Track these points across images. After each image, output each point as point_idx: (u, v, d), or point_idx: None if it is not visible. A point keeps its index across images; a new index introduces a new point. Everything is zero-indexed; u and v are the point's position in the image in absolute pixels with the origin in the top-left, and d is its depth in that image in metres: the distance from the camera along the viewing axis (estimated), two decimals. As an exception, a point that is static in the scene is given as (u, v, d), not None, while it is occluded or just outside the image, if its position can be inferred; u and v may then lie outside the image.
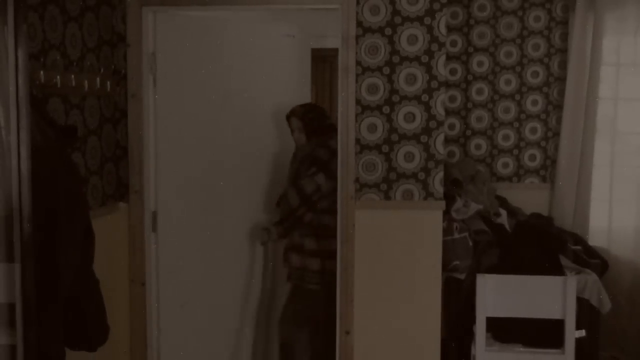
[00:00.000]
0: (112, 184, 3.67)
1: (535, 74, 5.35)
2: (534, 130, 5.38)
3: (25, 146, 1.63)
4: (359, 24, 3.63)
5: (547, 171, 5.39)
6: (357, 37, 3.64)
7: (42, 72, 2.86)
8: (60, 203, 2.20)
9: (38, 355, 1.91)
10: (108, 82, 3.52)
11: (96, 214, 3.25)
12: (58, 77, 2.99)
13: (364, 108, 3.67)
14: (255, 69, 4.10)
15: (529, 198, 5.25)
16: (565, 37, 5.28)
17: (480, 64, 5.38)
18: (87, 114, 3.37)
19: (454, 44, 5.29)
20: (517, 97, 5.38)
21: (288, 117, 4.18)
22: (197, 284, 4.03)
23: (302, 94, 4.47)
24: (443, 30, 3.63)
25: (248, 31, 3.96)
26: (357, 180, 3.70)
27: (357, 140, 3.68)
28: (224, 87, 4.00)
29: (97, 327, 2.62)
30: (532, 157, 5.38)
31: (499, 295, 3.56)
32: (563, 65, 5.30)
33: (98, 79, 3.41)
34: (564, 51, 5.30)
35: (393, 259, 3.70)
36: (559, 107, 5.28)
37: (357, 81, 3.65)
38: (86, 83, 3.26)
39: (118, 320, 3.55)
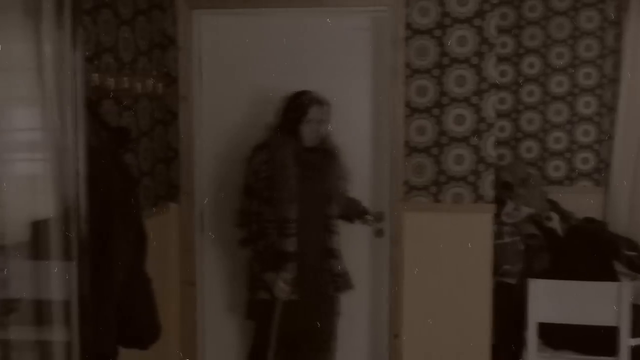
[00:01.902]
0: (163, 184, 3.72)
1: (587, 76, 5.25)
2: (586, 133, 5.27)
3: (82, 147, 1.66)
4: (408, 25, 3.62)
5: (601, 174, 5.28)
6: (406, 38, 3.62)
7: (95, 75, 2.92)
8: (114, 203, 2.23)
9: (92, 353, 1.94)
10: (159, 85, 3.57)
11: (148, 214, 3.30)
12: (111, 79, 3.04)
13: (413, 110, 3.65)
14: (318, 65, 3.96)
15: (581, 202, 5.14)
16: (619, 37, 5.16)
17: (531, 65, 5.29)
18: (139, 115, 3.42)
19: (504, 45, 5.23)
20: (569, 99, 5.28)
21: (306, 104, 3.32)
22: (242, 284, 4.04)
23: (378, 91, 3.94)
24: (493, 31, 3.59)
25: (309, 26, 3.88)
26: (405, 182, 3.67)
27: (406, 143, 3.66)
28: (278, 86, 3.96)
29: (149, 325, 2.66)
30: (585, 160, 5.27)
31: (550, 300, 3.50)
32: (617, 66, 5.18)
33: (150, 82, 3.46)
34: (617, 52, 5.18)
35: (442, 262, 3.67)
36: (613, 109, 5.17)
37: (406, 83, 3.64)
38: (138, 85, 3.31)
39: (169, 320, 3.59)
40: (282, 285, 3.24)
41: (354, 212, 3.59)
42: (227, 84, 3.86)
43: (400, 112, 3.64)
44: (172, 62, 3.74)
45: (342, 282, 3.42)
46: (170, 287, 3.75)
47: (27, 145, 2.07)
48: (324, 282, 3.39)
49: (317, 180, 3.36)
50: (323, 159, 3.41)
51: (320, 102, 3.33)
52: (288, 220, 3.24)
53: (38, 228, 1.93)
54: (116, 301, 2.32)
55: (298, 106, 3.32)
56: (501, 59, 5.17)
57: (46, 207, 1.94)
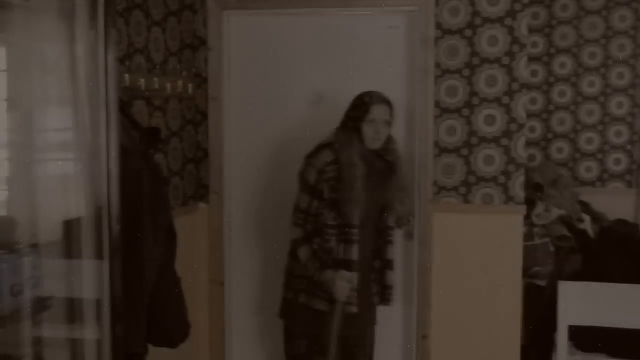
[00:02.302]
0: (193, 184, 3.75)
1: (620, 76, 5.18)
2: (619, 134, 5.20)
3: (114, 147, 1.68)
4: (438, 25, 3.60)
5: (633, 176, 5.20)
6: (436, 38, 3.60)
7: (127, 76, 2.94)
8: (144, 203, 2.25)
9: (123, 351, 1.96)
10: (189, 85, 3.60)
11: (177, 213, 3.32)
12: (142, 80, 3.07)
13: (442, 110, 3.63)
14: (351, 64, 3.87)
15: (613, 203, 5.07)
16: (653, 36, 5.09)
17: (562, 65, 5.24)
18: (169, 116, 3.45)
19: (535, 45, 5.18)
20: (601, 99, 5.21)
21: (368, 102, 3.14)
22: (271, 285, 4.06)
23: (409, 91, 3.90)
24: (524, 31, 3.56)
25: (339, 26, 3.88)
26: (435, 183, 3.66)
27: (436, 143, 3.64)
28: (308, 87, 3.96)
29: (178, 324, 2.67)
30: (617, 161, 5.20)
31: (581, 303, 3.45)
32: (650, 66, 5.11)
33: (180, 82, 3.49)
34: (651, 51, 5.11)
35: (471, 263, 3.65)
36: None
37: (435, 83, 3.62)
38: (169, 86, 3.34)
39: (198, 319, 3.61)
40: (342, 284, 3.06)
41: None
42: (257, 84, 3.88)
43: (430, 112, 3.62)
44: (202, 62, 3.77)
45: (389, 294, 3.29)
46: (199, 287, 3.78)
47: (59, 146, 2.09)
48: (373, 292, 3.28)
49: (379, 186, 3.19)
50: (386, 164, 3.24)
51: (383, 101, 3.16)
52: (350, 226, 3.08)
53: (70, 227, 1.96)
54: (146, 300, 2.34)
55: (360, 104, 3.15)
56: (532, 59, 5.12)
57: (78, 206, 1.96)
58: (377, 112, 3.13)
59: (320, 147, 3.15)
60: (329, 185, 3.07)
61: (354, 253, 3.09)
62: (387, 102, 3.16)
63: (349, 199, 3.04)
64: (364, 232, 3.13)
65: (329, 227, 3.08)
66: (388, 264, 3.27)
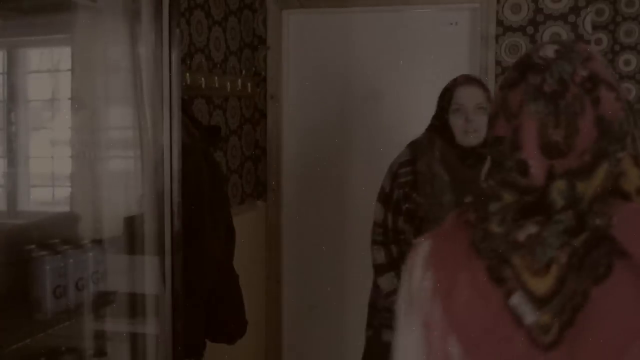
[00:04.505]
0: (251, 182, 3.78)
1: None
2: (686, 133, 5.04)
3: (177, 145, 1.70)
4: (499, 22, 3.54)
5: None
6: (497, 36, 3.55)
7: (187, 75, 2.98)
8: (205, 200, 2.28)
9: (182, 346, 1.98)
10: (249, 84, 3.63)
11: (235, 211, 3.35)
12: (203, 79, 3.11)
13: (503, 109, 3.57)
14: (410, 62, 3.83)
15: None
16: None
17: (627, 62, 5.10)
18: (229, 114, 3.48)
19: (599, 42, 5.05)
20: (668, 97, 5.06)
21: (451, 86, 2.58)
22: (326, 284, 4.06)
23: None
24: (588, 28, 3.48)
25: (398, 23, 3.85)
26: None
27: (495, 142, 3.59)
28: (368, 85, 3.94)
29: (236, 320, 2.69)
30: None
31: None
32: None
33: (239, 81, 3.52)
34: None
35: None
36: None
37: (496, 81, 3.57)
38: (228, 85, 3.37)
39: (255, 316, 3.64)
40: None
41: None
42: (315, 82, 3.88)
43: (490, 111, 3.57)
44: (262, 61, 3.79)
45: None
46: (257, 284, 3.80)
47: (123, 143, 2.14)
48: None
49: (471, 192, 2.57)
50: (479, 164, 2.60)
51: (470, 81, 2.57)
52: None
53: (133, 223, 1.99)
54: (206, 296, 2.36)
55: (444, 92, 2.57)
56: (595, 56, 5.00)
57: (140, 203, 2.00)
58: (463, 95, 2.51)
59: (407, 146, 2.65)
60: (403, 192, 2.54)
61: None
62: (476, 82, 2.58)
63: (426, 211, 2.49)
64: None
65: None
66: None
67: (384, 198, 2.61)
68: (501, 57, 3.55)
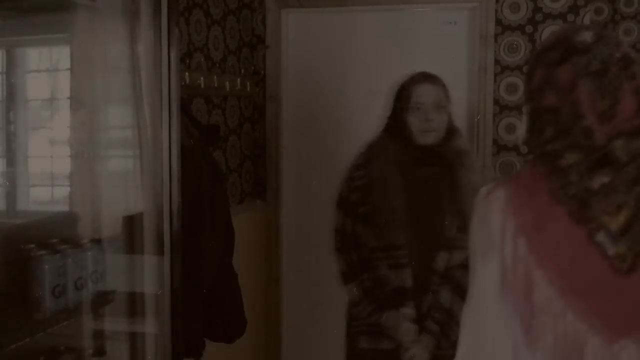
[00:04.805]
0: (250, 182, 3.78)
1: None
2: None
3: (176, 145, 1.70)
4: (498, 21, 3.55)
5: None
6: (496, 35, 3.55)
7: (187, 74, 2.98)
8: (204, 199, 2.27)
9: (181, 345, 1.99)
10: (248, 83, 3.63)
11: (235, 210, 3.36)
12: (202, 78, 3.11)
13: (502, 108, 3.57)
14: (410, 60, 3.80)
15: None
16: None
17: (626, 61, 5.11)
18: (228, 113, 3.48)
19: (598, 41, 5.06)
20: (668, 96, 5.06)
21: (408, 83, 2.51)
22: (327, 284, 4.06)
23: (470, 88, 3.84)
24: (588, 26, 3.48)
25: (399, 22, 3.85)
26: (494, 180, 3.61)
27: (495, 141, 3.59)
28: (367, 85, 3.92)
29: (235, 320, 2.69)
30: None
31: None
32: None
33: (238, 80, 3.52)
34: None
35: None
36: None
37: (495, 80, 3.57)
38: (227, 84, 3.38)
39: (254, 315, 3.64)
40: (408, 326, 2.41)
41: None
42: (314, 82, 3.88)
43: (490, 110, 3.57)
44: (261, 61, 3.79)
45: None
46: (256, 283, 3.80)
47: (122, 143, 2.13)
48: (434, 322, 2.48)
49: (432, 193, 2.46)
50: (443, 165, 2.46)
51: (428, 78, 2.48)
52: (395, 247, 2.40)
53: (132, 222, 1.99)
54: (205, 295, 2.36)
55: (400, 90, 2.49)
56: (595, 55, 5.00)
57: (139, 202, 2.00)
58: (423, 94, 2.43)
59: (363, 147, 2.58)
60: (359, 197, 2.47)
61: (406, 278, 2.41)
62: (435, 80, 2.48)
63: (383, 214, 2.41)
64: (418, 250, 2.44)
65: (374, 250, 2.43)
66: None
67: (342, 203, 2.56)
68: (500, 56, 3.55)
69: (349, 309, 2.64)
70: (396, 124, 2.48)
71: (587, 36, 1.36)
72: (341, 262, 2.57)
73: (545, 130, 1.40)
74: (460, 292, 2.32)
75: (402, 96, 2.47)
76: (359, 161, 2.53)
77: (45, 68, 2.18)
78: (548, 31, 3.50)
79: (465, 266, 2.14)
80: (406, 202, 2.41)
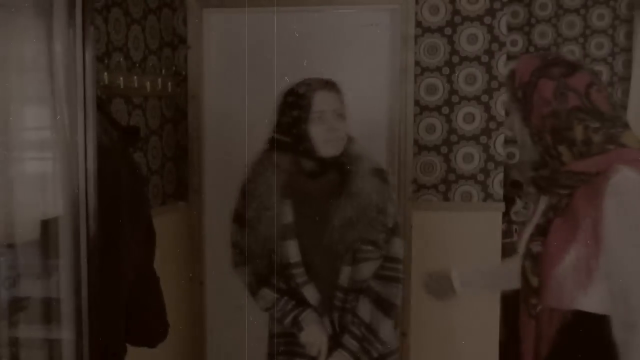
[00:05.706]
0: (173, 183, 3.73)
1: (598, 74, 5.22)
2: (597, 132, 5.25)
3: (92, 146, 1.66)
4: (418, 23, 3.61)
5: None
6: (416, 37, 3.61)
7: (105, 74, 2.93)
8: (123, 202, 2.24)
9: (101, 351, 1.95)
10: (169, 84, 3.58)
11: (157, 212, 3.31)
12: (121, 78, 3.06)
13: (422, 108, 3.64)
14: (330, 63, 3.84)
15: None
16: (630, 35, 5.13)
17: (541, 63, 5.28)
18: (149, 114, 3.43)
19: (514, 43, 5.21)
20: (580, 97, 5.26)
21: (305, 95, 2.34)
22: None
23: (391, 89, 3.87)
24: (504, 29, 3.58)
25: (321, 23, 3.87)
26: (414, 181, 3.67)
27: (415, 141, 3.65)
28: (290, 86, 3.91)
29: (157, 323, 2.66)
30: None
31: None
32: (628, 64, 5.15)
33: (159, 80, 3.47)
34: (628, 50, 5.15)
35: (450, 260, 3.66)
36: (623, 107, 5.14)
37: (415, 81, 3.63)
38: (148, 84, 3.33)
39: (177, 318, 3.60)
40: (322, 342, 2.35)
41: None
42: (236, 82, 3.86)
43: (410, 110, 3.63)
44: (182, 60, 3.75)
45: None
46: (179, 286, 3.76)
47: (37, 144, 2.08)
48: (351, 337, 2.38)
49: (328, 205, 2.32)
50: (340, 173, 2.33)
51: (326, 85, 2.35)
52: (291, 265, 2.33)
53: (48, 226, 1.94)
54: (125, 299, 2.32)
55: (295, 101, 2.33)
56: (511, 57, 5.15)
57: (56, 205, 1.95)
58: (324, 101, 2.30)
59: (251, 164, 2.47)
60: (250, 213, 2.38)
61: (312, 296, 2.37)
62: (332, 86, 2.36)
63: (273, 230, 2.32)
64: (320, 266, 2.36)
65: (270, 267, 2.38)
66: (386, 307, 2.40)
67: (237, 218, 2.48)
68: (420, 58, 3.62)
69: (269, 329, 2.59)
70: (294, 136, 2.31)
71: (571, 54, 1.83)
72: (242, 277, 2.53)
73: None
74: (381, 305, 2.33)
75: (302, 105, 2.30)
76: (249, 176, 2.42)
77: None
78: (466, 33, 3.58)
79: (380, 277, 2.31)
80: (300, 219, 2.33)
